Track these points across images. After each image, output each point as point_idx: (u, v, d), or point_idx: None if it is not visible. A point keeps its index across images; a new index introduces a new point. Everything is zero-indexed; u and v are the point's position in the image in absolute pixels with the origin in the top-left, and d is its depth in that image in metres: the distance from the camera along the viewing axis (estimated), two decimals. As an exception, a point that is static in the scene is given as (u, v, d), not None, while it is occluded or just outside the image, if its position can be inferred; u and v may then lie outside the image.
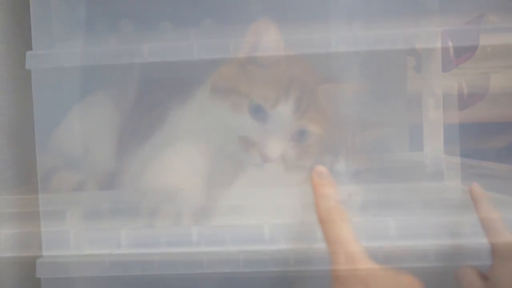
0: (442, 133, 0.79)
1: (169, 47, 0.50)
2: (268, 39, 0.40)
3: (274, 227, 0.58)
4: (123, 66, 0.54)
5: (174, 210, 0.68)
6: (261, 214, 0.59)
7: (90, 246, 0.53)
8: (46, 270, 0.51)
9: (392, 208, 0.44)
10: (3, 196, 0.56)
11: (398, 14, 0.49)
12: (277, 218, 0.59)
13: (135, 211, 0.47)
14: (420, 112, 0.80)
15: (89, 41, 0.53)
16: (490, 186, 0.45)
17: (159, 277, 0.51)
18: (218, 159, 0.49)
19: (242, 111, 0.41)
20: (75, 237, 0.56)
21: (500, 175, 0.67)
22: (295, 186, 0.45)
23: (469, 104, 0.98)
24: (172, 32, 0.54)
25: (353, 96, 0.44)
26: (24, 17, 0.56)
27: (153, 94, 0.55)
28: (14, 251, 0.55)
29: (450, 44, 0.76)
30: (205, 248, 0.51)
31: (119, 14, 0.54)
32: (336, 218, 0.34)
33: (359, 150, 0.46)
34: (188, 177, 0.72)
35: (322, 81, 0.42)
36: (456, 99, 0.83)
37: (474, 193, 0.45)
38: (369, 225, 0.43)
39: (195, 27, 0.53)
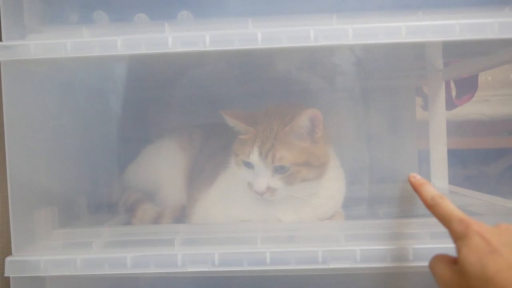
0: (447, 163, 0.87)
1: (143, 40, 0.49)
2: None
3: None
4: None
5: (153, 209, 0.68)
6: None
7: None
8: (15, 269, 0.50)
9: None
10: None
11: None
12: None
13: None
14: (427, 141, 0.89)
15: (62, 32, 0.51)
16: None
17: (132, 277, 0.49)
18: None
19: (241, 166, 0.57)
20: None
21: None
22: None
23: (458, 104, 1.00)
24: (148, 24, 0.52)
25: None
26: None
27: (216, 141, 0.65)
28: None
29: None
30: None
31: (93, 5, 0.53)
32: (440, 200, 0.42)
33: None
34: (169, 175, 0.71)
35: (284, 125, 0.55)
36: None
37: (414, 182, 0.46)
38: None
39: (171, 19, 0.52)
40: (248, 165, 0.56)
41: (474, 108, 1.12)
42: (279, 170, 0.54)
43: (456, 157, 0.93)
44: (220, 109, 0.63)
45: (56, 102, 0.61)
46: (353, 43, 0.47)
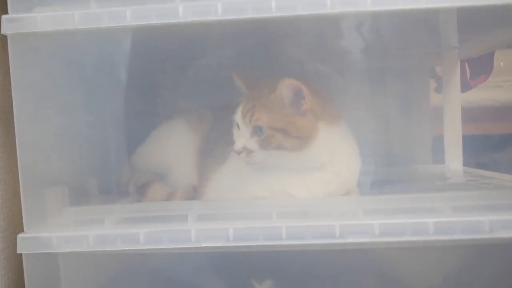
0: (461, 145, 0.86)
1: (153, 10, 0.47)
2: None
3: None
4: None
5: (164, 189, 0.67)
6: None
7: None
8: (28, 245, 0.49)
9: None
10: None
11: None
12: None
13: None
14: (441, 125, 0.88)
15: (70, 4, 0.50)
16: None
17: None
18: None
19: (235, 127, 0.59)
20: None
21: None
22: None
23: (472, 85, 0.97)
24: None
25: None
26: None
27: (227, 120, 0.63)
28: None
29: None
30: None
31: (101, -24, 0.51)
32: None
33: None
34: (179, 156, 0.71)
35: (271, 93, 0.56)
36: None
37: None
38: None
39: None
40: (237, 125, 0.57)
41: (487, 94, 1.10)
42: (257, 131, 0.55)
43: (469, 143, 0.92)
44: (230, 89, 0.62)
45: (64, 77, 0.60)
46: (372, 9, 0.45)
